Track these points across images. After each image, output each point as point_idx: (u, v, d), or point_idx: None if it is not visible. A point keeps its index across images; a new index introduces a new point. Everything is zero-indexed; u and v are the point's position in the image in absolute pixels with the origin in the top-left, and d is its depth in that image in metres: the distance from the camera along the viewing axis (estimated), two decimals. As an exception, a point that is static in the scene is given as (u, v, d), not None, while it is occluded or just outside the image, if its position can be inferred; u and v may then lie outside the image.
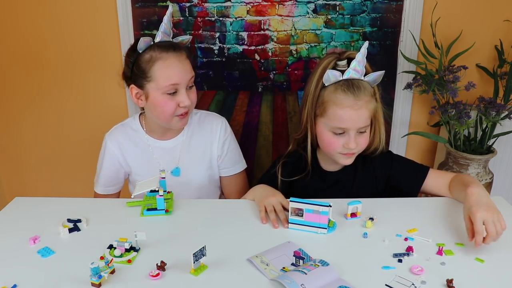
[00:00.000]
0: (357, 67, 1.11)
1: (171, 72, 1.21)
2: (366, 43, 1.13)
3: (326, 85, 1.14)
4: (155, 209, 1.11)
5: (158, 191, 1.11)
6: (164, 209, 1.11)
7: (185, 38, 1.29)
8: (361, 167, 1.25)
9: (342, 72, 1.12)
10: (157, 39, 1.23)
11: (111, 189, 1.42)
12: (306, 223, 1.04)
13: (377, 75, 1.14)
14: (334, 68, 1.15)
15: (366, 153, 1.24)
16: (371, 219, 1.06)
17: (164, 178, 1.13)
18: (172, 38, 1.27)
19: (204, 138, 1.39)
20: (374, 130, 1.21)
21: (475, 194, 1.02)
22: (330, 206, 1.01)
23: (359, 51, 1.11)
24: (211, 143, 1.39)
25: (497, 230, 0.93)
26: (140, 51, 1.22)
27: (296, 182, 1.26)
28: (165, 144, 1.37)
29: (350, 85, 1.11)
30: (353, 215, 1.09)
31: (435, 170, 1.26)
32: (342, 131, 1.14)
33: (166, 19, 1.24)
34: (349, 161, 1.20)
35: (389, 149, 1.84)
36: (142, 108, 1.34)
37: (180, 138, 1.37)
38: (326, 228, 1.02)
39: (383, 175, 1.26)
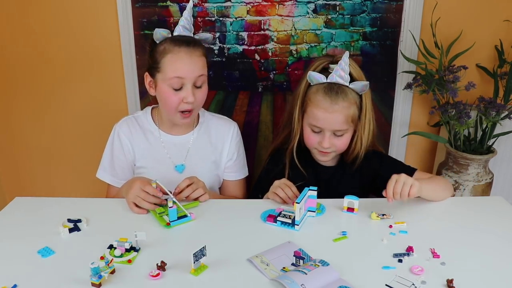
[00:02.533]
0: (341, 72, 1.17)
1: (178, 65, 1.23)
2: (347, 53, 1.19)
3: (311, 84, 1.21)
4: (185, 216, 1.09)
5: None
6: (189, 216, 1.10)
7: (205, 36, 1.31)
8: (350, 165, 1.29)
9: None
10: (176, 33, 1.26)
11: (116, 179, 1.39)
12: (305, 213, 1.09)
13: (361, 84, 1.18)
14: (326, 69, 1.22)
15: (348, 159, 1.28)
16: (383, 214, 1.09)
17: (172, 207, 1.08)
18: (194, 34, 1.29)
19: (215, 139, 1.40)
20: (357, 136, 1.24)
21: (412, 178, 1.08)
22: (316, 190, 1.08)
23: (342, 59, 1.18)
24: (222, 146, 1.41)
25: (403, 190, 1.03)
26: (157, 42, 1.26)
27: (292, 173, 1.30)
28: (175, 139, 1.38)
29: (330, 89, 1.18)
30: (350, 209, 1.11)
31: (421, 172, 1.28)
32: (319, 130, 1.21)
33: (186, 13, 1.27)
34: (324, 158, 1.27)
35: (389, 149, 1.86)
36: (154, 100, 1.36)
37: (191, 136, 1.39)
38: (314, 211, 1.10)
39: (370, 172, 1.30)
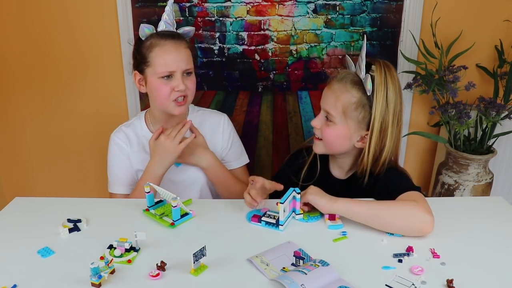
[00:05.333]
0: (360, 62, 1.14)
1: (167, 59, 1.25)
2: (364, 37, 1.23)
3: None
4: (186, 214, 1.09)
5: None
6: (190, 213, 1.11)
7: (188, 29, 1.33)
8: (367, 181, 1.20)
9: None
10: (159, 28, 1.28)
11: (130, 188, 1.40)
12: (289, 214, 1.09)
13: (363, 78, 1.13)
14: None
15: (357, 172, 1.22)
16: None
17: (176, 207, 1.07)
18: (176, 29, 1.31)
19: (205, 133, 1.39)
20: (365, 147, 1.16)
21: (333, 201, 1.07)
22: (299, 193, 1.08)
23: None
24: (214, 138, 1.41)
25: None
26: (143, 38, 1.28)
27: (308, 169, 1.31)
28: None
29: (341, 74, 1.18)
30: (331, 217, 1.07)
31: (415, 193, 1.08)
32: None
33: (168, 9, 1.28)
34: (314, 147, 1.24)
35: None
36: (146, 96, 1.35)
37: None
38: (299, 214, 1.09)
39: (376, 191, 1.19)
